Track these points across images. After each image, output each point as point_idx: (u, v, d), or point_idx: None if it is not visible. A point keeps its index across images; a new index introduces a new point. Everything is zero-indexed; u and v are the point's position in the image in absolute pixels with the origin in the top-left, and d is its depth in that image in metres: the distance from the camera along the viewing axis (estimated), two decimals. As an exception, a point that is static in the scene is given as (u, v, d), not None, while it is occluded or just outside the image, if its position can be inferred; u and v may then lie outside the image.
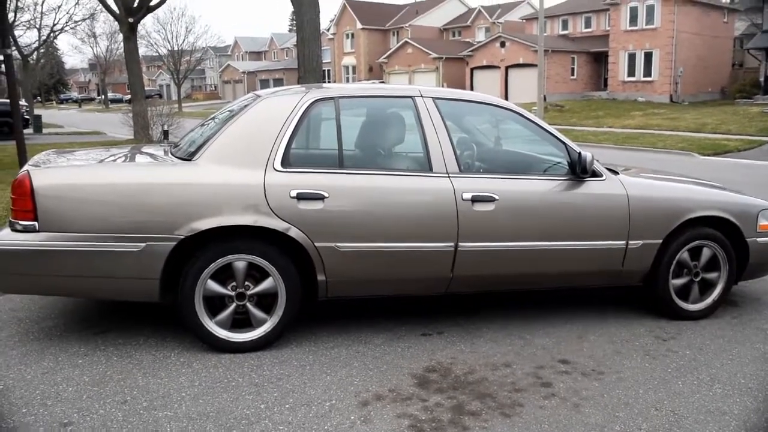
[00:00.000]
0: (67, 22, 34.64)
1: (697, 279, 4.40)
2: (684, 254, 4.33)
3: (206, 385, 3.31)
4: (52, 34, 35.81)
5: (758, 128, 21.07)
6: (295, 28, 11.03)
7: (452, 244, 3.86)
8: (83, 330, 4.03)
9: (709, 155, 16.60)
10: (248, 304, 3.70)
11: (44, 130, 24.88)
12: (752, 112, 25.78)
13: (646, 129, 23.03)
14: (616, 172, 4.36)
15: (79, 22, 37.47)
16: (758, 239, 4.45)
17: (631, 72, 35.59)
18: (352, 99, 4.15)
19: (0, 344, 3.81)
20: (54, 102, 71.98)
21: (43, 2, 30.41)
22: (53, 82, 67.23)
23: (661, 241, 4.24)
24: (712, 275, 4.42)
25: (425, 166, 3.93)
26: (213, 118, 4.41)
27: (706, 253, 4.38)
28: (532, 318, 4.37)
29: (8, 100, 10.79)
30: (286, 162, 3.71)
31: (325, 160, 3.99)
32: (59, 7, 35.65)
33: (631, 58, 35.41)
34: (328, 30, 54.40)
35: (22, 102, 21.95)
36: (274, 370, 3.51)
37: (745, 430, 2.96)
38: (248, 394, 3.22)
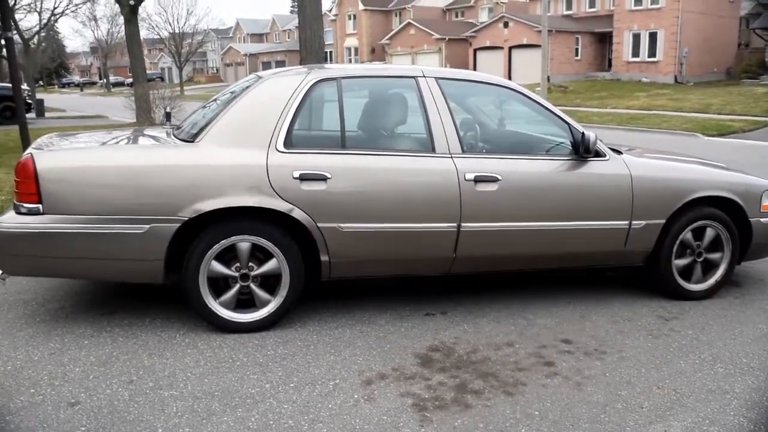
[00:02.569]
0: (67, 5, 34.49)
1: (700, 259, 4.40)
2: (687, 234, 4.33)
3: (211, 365, 3.34)
4: (52, 18, 35.64)
5: (763, 109, 20.94)
6: (296, 9, 10.95)
7: (455, 224, 3.86)
8: (89, 311, 4.06)
9: (713, 136, 16.53)
10: (252, 285, 3.72)
11: (47, 114, 24.85)
12: (758, 93, 25.62)
13: (651, 110, 22.92)
14: (619, 152, 4.35)
15: (80, 5, 37.27)
16: (762, 219, 4.45)
17: (636, 52, 35.32)
18: (355, 79, 4.14)
19: (7, 326, 3.84)
20: (56, 86, 71.77)
21: (43, -15, 30.24)
22: (55, 66, 66.88)
23: (664, 221, 4.23)
24: (715, 255, 4.42)
25: (428, 146, 3.93)
26: (215, 100, 4.40)
27: (709, 233, 4.37)
28: (534, 298, 4.39)
29: (10, 84, 10.77)
30: (288, 143, 3.71)
31: (327, 141, 3.98)
32: (59, -11, 35.57)
33: (636, 38, 35.12)
34: (330, 11, 54.03)
35: (24, 86, 21.94)
36: (279, 349, 3.54)
37: (747, 409, 2.98)
38: (253, 374, 3.25)
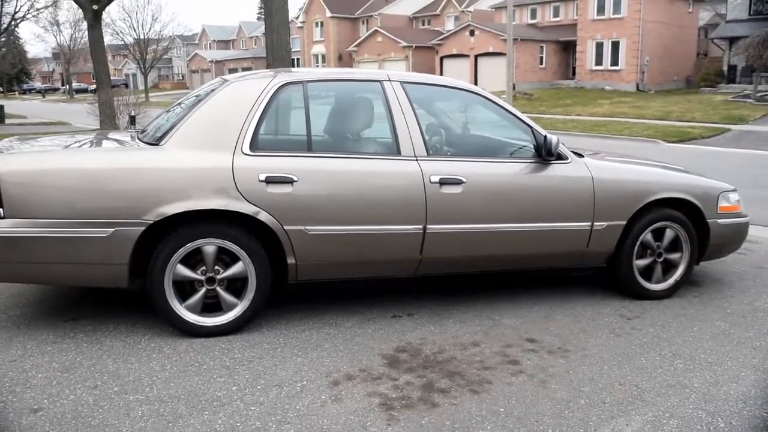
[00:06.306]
0: (29, 10, 33.75)
1: (660, 259, 4.51)
2: (647, 235, 4.44)
3: (177, 369, 3.31)
4: (13, 22, 34.91)
5: (721, 116, 21.53)
6: (263, 16, 10.95)
7: (421, 226, 3.90)
8: (52, 317, 3.99)
9: (674, 142, 16.94)
10: (218, 289, 3.70)
11: (7, 121, 24.31)
12: (716, 101, 26.32)
13: (613, 117, 23.36)
14: (581, 155, 4.44)
15: (42, 10, 36.49)
16: (719, 220, 4.58)
17: (599, 61, 35.99)
18: (321, 83, 4.16)
19: (-35, 333, 3.75)
20: (16, 92, 70.20)
21: (3, -11, 29.44)
22: (15, 72, 65.46)
23: (625, 222, 4.33)
24: (675, 256, 4.54)
25: (393, 149, 3.96)
26: (180, 104, 4.38)
27: (668, 234, 4.49)
28: (499, 299, 4.45)
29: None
30: (254, 145, 3.70)
31: (293, 144, 4.00)
32: (20, -7, 34.89)
33: (599, 47, 35.79)
34: (297, 18, 53.95)
35: (-16, 91, 21.38)
36: (246, 353, 3.53)
37: (705, 402, 3.06)
38: (220, 377, 3.23)
